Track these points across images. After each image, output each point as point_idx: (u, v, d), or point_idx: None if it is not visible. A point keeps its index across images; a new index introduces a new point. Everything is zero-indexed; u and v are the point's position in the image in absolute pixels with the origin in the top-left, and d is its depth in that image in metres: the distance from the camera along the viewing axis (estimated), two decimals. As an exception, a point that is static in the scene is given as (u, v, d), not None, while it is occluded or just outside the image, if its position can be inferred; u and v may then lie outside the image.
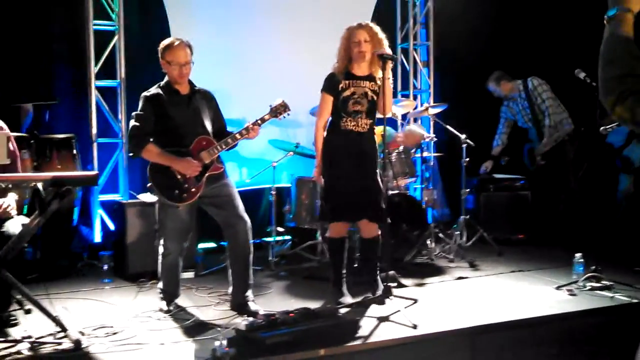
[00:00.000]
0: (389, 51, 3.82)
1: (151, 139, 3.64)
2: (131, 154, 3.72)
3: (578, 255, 4.35)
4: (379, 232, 3.96)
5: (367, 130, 3.87)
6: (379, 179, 3.86)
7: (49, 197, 3.15)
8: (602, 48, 1.59)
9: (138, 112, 3.68)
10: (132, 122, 3.67)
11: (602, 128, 4.39)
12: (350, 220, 3.95)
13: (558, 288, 4.19)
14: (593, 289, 4.11)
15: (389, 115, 4.06)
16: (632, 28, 1.57)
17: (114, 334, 3.28)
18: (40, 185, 3.12)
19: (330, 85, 3.90)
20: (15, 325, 3.37)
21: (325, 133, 3.97)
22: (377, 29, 3.85)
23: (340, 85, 3.87)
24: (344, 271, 4.01)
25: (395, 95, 4.27)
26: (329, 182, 3.92)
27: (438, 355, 3.26)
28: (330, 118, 3.97)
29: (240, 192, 3.88)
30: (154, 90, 3.74)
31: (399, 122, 6.70)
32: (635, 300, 3.76)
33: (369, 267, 4.05)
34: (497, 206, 6.13)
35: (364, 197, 3.79)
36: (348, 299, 3.88)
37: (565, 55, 6.32)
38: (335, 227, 3.95)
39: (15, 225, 3.42)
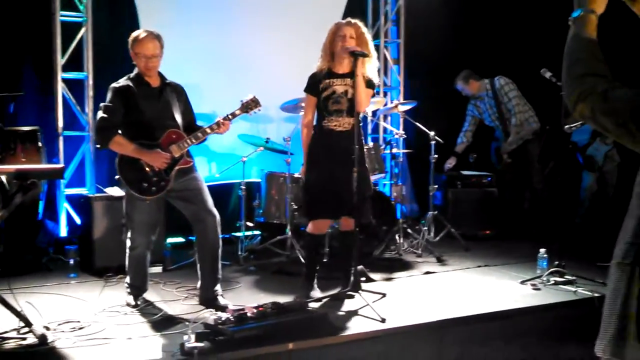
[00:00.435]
0: (371, 51, 3.83)
1: (119, 131, 3.59)
2: (98, 146, 3.67)
3: (542, 250, 4.45)
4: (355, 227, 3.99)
5: (350, 129, 3.87)
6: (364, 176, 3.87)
7: (13, 191, 3.09)
8: (566, 48, 1.64)
9: (106, 103, 3.63)
10: (100, 114, 3.62)
11: (566, 126, 4.49)
12: (330, 217, 3.97)
13: (523, 282, 4.28)
14: (557, 283, 4.20)
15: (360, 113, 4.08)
16: (595, 29, 1.62)
17: (80, 328, 3.23)
18: (4, 178, 3.06)
19: (312, 85, 3.94)
20: None
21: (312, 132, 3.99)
22: (364, 29, 3.88)
23: (321, 85, 3.88)
24: (317, 267, 4.02)
25: (372, 95, 4.26)
26: (311, 179, 3.93)
27: (406, 348, 3.29)
28: (316, 116, 3.99)
29: (209, 187, 3.86)
30: (123, 81, 3.69)
31: (369, 118, 6.75)
32: (597, 295, 3.85)
33: (344, 260, 4.06)
34: (465, 202, 6.22)
35: (345, 194, 3.79)
36: (318, 294, 3.89)
37: (531, 55, 6.44)
38: (316, 223, 3.97)
39: (-22, 219, 3.34)
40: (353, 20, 3.89)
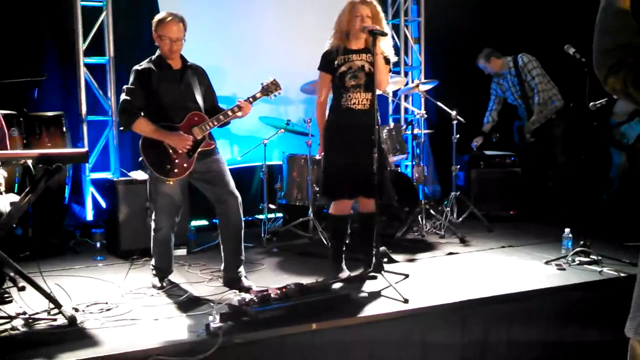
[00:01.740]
0: (386, 29, 3.80)
1: (142, 113, 3.62)
2: (122, 128, 3.71)
3: (567, 230, 4.41)
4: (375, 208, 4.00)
5: (369, 108, 3.85)
6: (382, 156, 3.87)
7: (39, 175, 3.14)
8: (597, 19, 1.59)
9: (129, 85, 3.66)
10: (123, 96, 3.65)
11: (591, 104, 4.42)
12: (351, 197, 3.97)
13: (547, 263, 4.24)
14: (581, 263, 4.16)
15: (379, 92, 4.05)
16: (629, 0, 1.57)
17: (108, 310, 3.29)
18: (30, 163, 3.10)
19: (327, 62, 3.90)
20: (9, 302, 3.37)
21: (327, 111, 3.98)
22: (379, 7, 3.85)
23: (336, 62, 3.86)
24: (344, 247, 4.05)
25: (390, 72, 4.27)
26: (330, 160, 3.93)
27: (429, 329, 3.29)
28: (331, 96, 3.98)
29: (231, 170, 3.89)
30: (145, 64, 3.71)
31: (390, 98, 6.71)
32: (623, 275, 3.81)
33: (365, 241, 4.07)
34: (488, 182, 6.17)
35: (365, 174, 3.78)
36: (346, 274, 3.91)
37: (555, 31, 6.32)
38: (338, 204, 3.97)
39: (4, 204, 3.41)
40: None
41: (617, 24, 1.54)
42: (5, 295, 3.40)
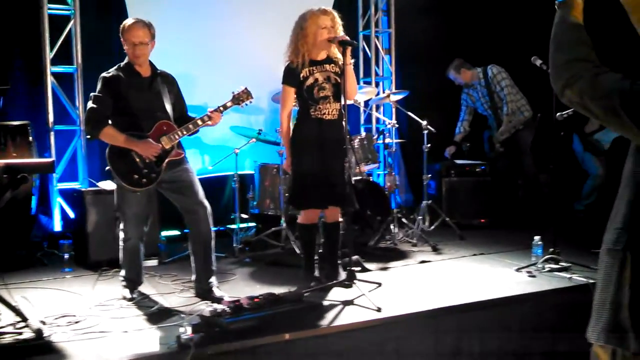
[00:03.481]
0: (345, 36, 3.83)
1: (109, 122, 3.57)
2: (89, 137, 3.66)
3: (537, 238, 4.46)
4: (341, 218, 4.01)
5: (337, 117, 3.85)
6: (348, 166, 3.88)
7: (4, 185, 3.07)
8: (552, 33, 1.63)
9: (96, 93, 3.61)
10: (90, 104, 3.60)
11: (558, 114, 4.50)
12: (320, 206, 3.96)
13: (518, 270, 4.29)
14: (552, 270, 4.22)
15: (350, 102, 4.07)
16: (581, 13, 1.61)
17: (76, 322, 3.22)
18: (-6, 173, 3.03)
19: (291, 77, 3.87)
20: None
21: (294, 122, 3.97)
22: (337, 14, 3.86)
23: (302, 75, 3.84)
24: (316, 256, 4.03)
25: (357, 82, 4.31)
26: (299, 170, 3.92)
27: (402, 337, 3.29)
28: (297, 108, 3.97)
29: (202, 180, 3.85)
30: (113, 71, 3.67)
31: (362, 108, 6.74)
32: (592, 281, 3.86)
33: (331, 252, 4.07)
34: (459, 191, 6.23)
35: (334, 184, 3.79)
36: (319, 284, 3.89)
37: (523, 42, 6.43)
38: (306, 213, 3.97)
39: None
40: (328, 9, 3.84)
41: (571, 39, 1.57)
42: None
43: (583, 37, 1.57)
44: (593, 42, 1.57)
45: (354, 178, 4.91)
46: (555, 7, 1.63)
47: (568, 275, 4.06)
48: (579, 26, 1.59)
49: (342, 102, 3.77)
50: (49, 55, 5.35)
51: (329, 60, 3.89)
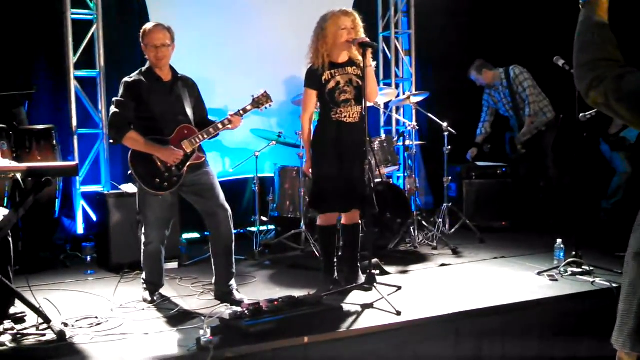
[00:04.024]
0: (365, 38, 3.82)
1: (132, 126, 3.61)
2: (112, 141, 3.69)
3: (559, 241, 4.41)
4: (360, 220, 4.00)
5: (359, 120, 3.84)
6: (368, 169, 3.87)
7: (28, 189, 3.12)
8: (577, 33, 1.59)
9: (118, 98, 3.65)
10: (113, 109, 3.63)
11: (581, 115, 4.44)
12: (340, 210, 3.96)
13: (539, 274, 4.24)
14: (574, 274, 4.16)
15: (370, 104, 4.05)
16: (606, 13, 1.57)
17: (98, 324, 3.26)
18: (19, 177, 3.08)
19: (313, 79, 3.87)
20: (24, 321, 3.28)
21: (316, 124, 3.97)
22: (358, 16, 3.84)
23: (324, 78, 3.83)
24: (335, 259, 4.03)
25: (377, 83, 4.30)
26: (319, 173, 3.92)
27: (422, 341, 3.27)
28: (319, 110, 3.97)
29: (223, 182, 3.87)
30: (135, 76, 3.70)
31: (382, 110, 6.72)
32: (616, 285, 3.80)
33: (350, 254, 4.06)
34: (480, 193, 6.18)
35: (354, 187, 3.79)
36: (338, 287, 3.89)
37: (545, 42, 6.36)
38: (326, 215, 3.96)
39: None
40: (349, 10, 3.83)
41: (596, 38, 1.54)
42: (19, 314, 3.30)
43: (608, 36, 1.54)
44: (618, 42, 1.54)
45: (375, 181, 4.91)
46: (580, 6, 1.60)
47: (591, 279, 4.01)
48: (604, 25, 1.55)
49: (363, 105, 3.76)
50: (72, 59, 5.43)
51: (351, 62, 3.88)
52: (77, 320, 3.30)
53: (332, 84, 3.83)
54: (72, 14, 5.41)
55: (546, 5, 6.77)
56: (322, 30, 3.81)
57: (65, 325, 3.17)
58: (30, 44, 5.47)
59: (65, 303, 3.65)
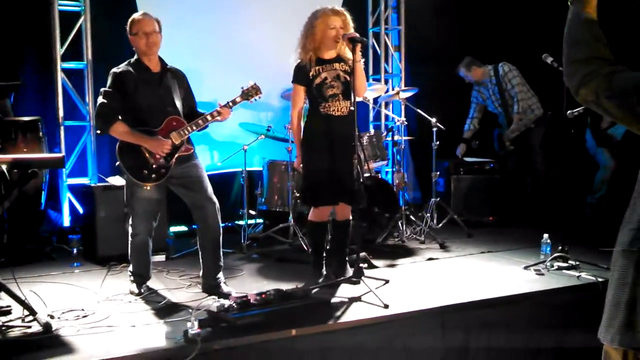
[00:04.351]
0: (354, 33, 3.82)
1: (120, 117, 3.58)
2: (99, 132, 3.68)
3: (545, 236, 4.45)
4: (351, 216, 4.01)
5: (348, 114, 3.85)
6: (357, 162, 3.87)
7: (14, 180, 3.09)
8: (565, 30, 1.59)
9: (106, 88, 3.62)
10: (100, 99, 3.61)
11: (568, 112, 4.46)
12: (331, 203, 3.96)
13: (526, 268, 4.27)
14: (560, 268, 4.19)
15: (359, 99, 4.05)
16: (595, 10, 1.57)
17: (84, 317, 3.23)
18: (4, 168, 3.05)
19: (300, 75, 3.88)
20: (8, 313, 3.26)
21: (305, 119, 3.97)
22: (349, 15, 3.85)
23: (311, 73, 3.84)
24: (324, 254, 4.04)
25: (367, 79, 4.31)
26: (309, 167, 3.92)
27: (409, 334, 3.29)
28: (307, 105, 3.97)
29: (211, 176, 3.86)
30: (123, 66, 3.68)
31: (371, 105, 6.73)
32: (601, 279, 3.84)
33: (339, 249, 4.07)
34: (467, 189, 6.21)
35: (344, 180, 3.79)
36: (327, 280, 3.89)
37: (534, 40, 6.40)
38: (317, 211, 3.97)
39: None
40: (340, 9, 3.83)
41: (585, 36, 1.53)
42: (5, 307, 3.25)
43: (597, 33, 1.53)
44: (607, 39, 1.54)
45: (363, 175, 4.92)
46: (569, 3, 1.60)
47: (577, 274, 4.04)
48: (593, 22, 1.55)
49: (352, 100, 3.76)
50: (60, 51, 5.38)
51: (339, 59, 3.88)
52: (63, 313, 3.27)
53: (319, 80, 3.84)
54: (60, 5, 5.36)
55: (535, 2, 6.80)
56: (312, 28, 3.82)
57: (51, 317, 3.14)
58: (17, 34, 5.41)
59: (52, 295, 3.62)
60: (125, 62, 3.71)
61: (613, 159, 6.34)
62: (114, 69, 3.67)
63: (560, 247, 4.30)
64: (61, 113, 5.41)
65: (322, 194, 3.89)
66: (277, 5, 6.19)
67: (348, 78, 3.82)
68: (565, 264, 4.22)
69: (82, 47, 5.52)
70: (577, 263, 4.21)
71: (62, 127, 5.41)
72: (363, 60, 3.86)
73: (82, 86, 5.57)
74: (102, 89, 3.64)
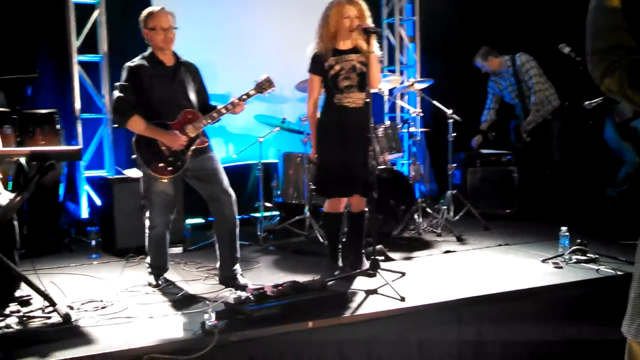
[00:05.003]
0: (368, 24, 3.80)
1: (136, 111, 3.60)
2: (116, 125, 3.70)
3: (564, 228, 4.40)
4: (367, 207, 4.00)
5: (363, 105, 3.83)
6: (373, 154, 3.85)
7: (32, 172, 3.11)
8: (588, 19, 1.56)
9: (122, 82, 3.64)
10: (116, 93, 3.62)
11: (586, 103, 4.41)
12: (345, 195, 3.96)
13: (544, 261, 4.23)
14: (578, 261, 4.15)
15: (374, 90, 4.04)
16: None
17: (103, 308, 3.26)
18: (23, 161, 3.07)
19: (316, 65, 3.88)
20: (30, 304, 3.29)
21: (321, 110, 3.96)
22: (365, 6, 3.83)
23: (327, 64, 3.84)
24: (340, 245, 4.03)
25: (381, 70, 4.29)
26: (322, 158, 3.92)
27: (425, 327, 3.28)
28: (323, 96, 3.97)
29: (227, 168, 3.87)
30: (137, 60, 3.69)
31: (386, 97, 6.69)
32: (620, 273, 3.80)
33: (355, 241, 4.07)
34: (484, 181, 6.16)
35: (358, 172, 3.78)
36: (343, 272, 3.89)
37: (550, 29, 6.33)
38: (331, 202, 3.96)
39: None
40: None
41: (609, 24, 1.51)
42: (26, 297, 3.31)
43: (621, 22, 1.50)
44: (630, 29, 1.52)
45: (378, 167, 4.90)
46: None
47: (596, 267, 4.00)
48: (616, 11, 1.52)
49: (367, 91, 3.74)
50: (76, 44, 5.41)
51: (355, 50, 3.86)
52: (82, 304, 3.31)
53: (334, 70, 3.83)
54: (75, -2, 5.38)
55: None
56: (327, 18, 3.82)
57: (71, 308, 3.17)
58: (33, 28, 5.44)
59: (71, 286, 3.66)
60: (139, 56, 3.72)
61: (637, 154, 6.21)
62: (128, 63, 3.68)
63: (578, 240, 4.26)
64: (78, 106, 5.44)
65: (335, 185, 3.89)
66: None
67: (364, 69, 3.80)
68: (584, 257, 4.17)
69: (98, 39, 5.54)
70: (596, 256, 4.16)
71: (79, 120, 5.45)
72: (381, 53, 3.84)
73: (98, 79, 5.60)
74: (117, 83, 3.66)
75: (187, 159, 3.63)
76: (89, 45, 5.53)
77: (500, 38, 6.59)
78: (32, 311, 3.11)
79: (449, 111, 5.48)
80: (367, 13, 3.82)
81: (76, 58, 5.42)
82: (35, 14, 5.42)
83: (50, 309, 3.08)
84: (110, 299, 3.42)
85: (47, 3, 5.47)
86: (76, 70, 5.43)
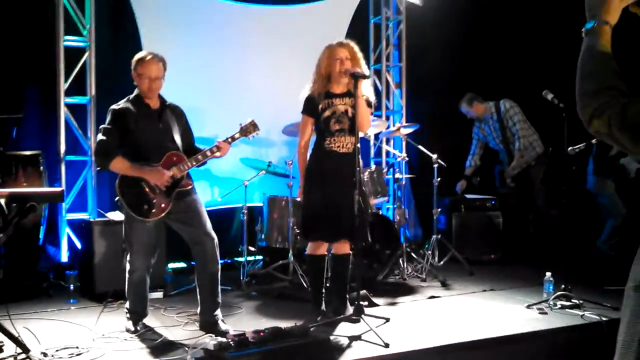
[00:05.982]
0: (365, 70, 3.85)
1: (119, 153, 3.58)
2: (99, 168, 3.67)
3: (548, 274, 4.39)
4: (350, 251, 3.97)
5: (352, 151, 3.85)
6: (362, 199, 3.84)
7: (12, 214, 3.06)
8: (579, 61, 1.58)
9: (106, 125, 3.64)
10: (99, 136, 3.62)
11: (570, 148, 4.46)
12: (329, 240, 3.93)
13: (529, 307, 4.20)
14: (563, 307, 4.13)
15: (361, 134, 4.06)
16: (609, 41, 1.57)
17: (79, 354, 3.18)
18: (2, 202, 3.03)
19: (310, 107, 3.92)
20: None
21: (310, 153, 3.98)
22: (356, 48, 3.90)
23: (320, 106, 3.88)
24: (323, 290, 3.99)
25: (371, 114, 4.33)
26: (309, 201, 3.91)
27: (410, 374, 3.22)
28: (314, 138, 3.98)
29: (211, 212, 3.84)
30: (122, 103, 3.70)
31: (372, 142, 6.75)
32: (605, 319, 3.77)
33: (339, 285, 4.02)
34: (469, 226, 6.17)
35: (344, 218, 3.77)
36: (326, 318, 3.83)
37: (534, 75, 6.45)
38: (315, 245, 3.93)
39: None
40: (345, 41, 3.91)
41: (599, 67, 1.53)
42: None
43: (611, 65, 1.52)
44: (621, 71, 1.54)
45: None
46: (583, 34, 1.60)
47: (580, 313, 3.98)
48: (607, 55, 1.54)
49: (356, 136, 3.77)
50: (64, 86, 5.41)
51: (349, 93, 3.91)
52: (57, 350, 3.22)
53: (327, 113, 3.86)
54: (65, 40, 5.41)
55: (536, 40, 6.88)
56: (319, 61, 3.91)
57: (45, 355, 3.09)
58: (21, 69, 5.46)
59: (46, 332, 3.57)
60: (125, 99, 3.73)
61: (621, 203, 6.11)
62: (113, 106, 3.69)
63: (563, 286, 4.25)
64: (63, 148, 5.41)
65: (318, 228, 3.86)
66: (278, 44, 6.25)
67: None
68: (568, 303, 4.15)
69: (86, 82, 5.56)
70: (581, 302, 4.14)
71: (63, 162, 5.41)
72: (374, 98, 3.89)
73: (84, 121, 5.58)
74: (101, 126, 3.66)
75: (171, 201, 3.60)
76: (77, 87, 5.53)
77: (485, 84, 6.71)
78: (3, 359, 3.02)
79: (434, 156, 5.52)
80: (359, 55, 3.88)
81: (63, 100, 5.42)
82: (24, 55, 5.44)
83: (23, 356, 3.00)
84: (86, 345, 3.34)
85: (37, 44, 5.50)
86: (62, 112, 5.41)
